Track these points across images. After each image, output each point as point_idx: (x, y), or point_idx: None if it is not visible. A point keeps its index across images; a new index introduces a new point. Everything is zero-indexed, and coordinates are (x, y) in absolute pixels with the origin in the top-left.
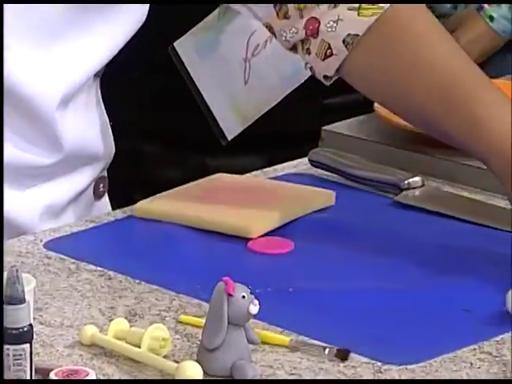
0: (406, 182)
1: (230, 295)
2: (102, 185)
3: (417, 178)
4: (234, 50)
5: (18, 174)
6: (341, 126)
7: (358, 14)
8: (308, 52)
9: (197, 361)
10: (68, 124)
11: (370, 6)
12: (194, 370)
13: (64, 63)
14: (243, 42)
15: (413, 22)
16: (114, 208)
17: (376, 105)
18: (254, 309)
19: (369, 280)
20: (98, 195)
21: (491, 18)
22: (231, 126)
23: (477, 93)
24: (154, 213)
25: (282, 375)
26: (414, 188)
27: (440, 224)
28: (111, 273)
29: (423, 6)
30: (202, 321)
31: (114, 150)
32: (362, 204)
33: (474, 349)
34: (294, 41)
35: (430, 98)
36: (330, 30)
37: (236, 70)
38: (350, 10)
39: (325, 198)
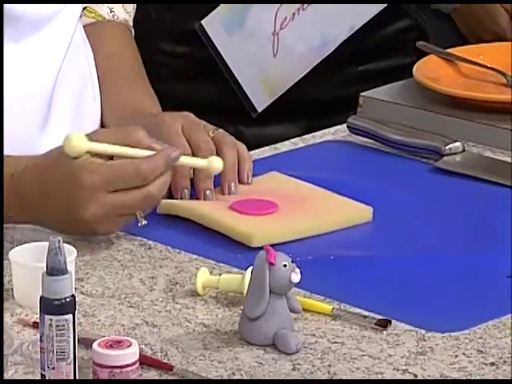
0: (446, 147)
1: (271, 264)
2: None
3: (457, 144)
4: (262, 25)
5: None
6: (379, 92)
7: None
8: None
9: (239, 330)
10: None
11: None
12: None
13: None
14: (271, 17)
15: (109, 40)
16: None
17: (414, 70)
18: (296, 277)
19: (411, 247)
20: None
21: None
22: (261, 98)
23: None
24: (174, 210)
25: (324, 343)
26: (455, 154)
27: (481, 190)
28: (151, 242)
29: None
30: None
31: None
32: (401, 170)
33: None
34: None
35: None
36: None
37: (264, 43)
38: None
39: (363, 214)
